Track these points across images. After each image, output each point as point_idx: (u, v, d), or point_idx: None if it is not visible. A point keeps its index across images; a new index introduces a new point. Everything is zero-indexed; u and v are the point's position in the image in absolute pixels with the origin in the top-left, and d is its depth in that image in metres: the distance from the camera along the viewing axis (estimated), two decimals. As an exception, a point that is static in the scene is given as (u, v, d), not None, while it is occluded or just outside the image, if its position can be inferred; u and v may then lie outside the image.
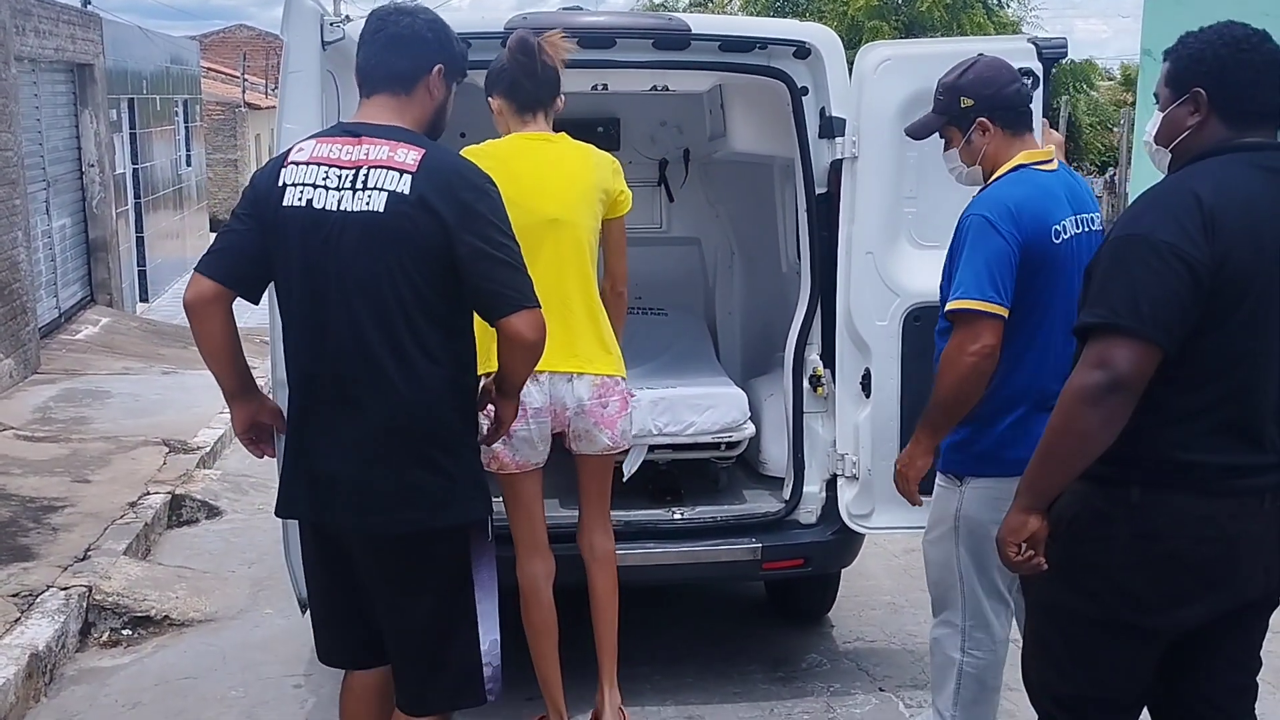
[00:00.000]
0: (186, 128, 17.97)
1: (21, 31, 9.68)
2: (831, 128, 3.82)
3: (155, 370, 9.88)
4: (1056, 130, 3.87)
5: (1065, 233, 2.97)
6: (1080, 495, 2.40)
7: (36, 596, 4.51)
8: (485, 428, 2.87)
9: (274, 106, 16.96)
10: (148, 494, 6.07)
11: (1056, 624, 2.52)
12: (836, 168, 3.82)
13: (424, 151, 2.58)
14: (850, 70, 3.83)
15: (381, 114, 2.66)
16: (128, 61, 13.97)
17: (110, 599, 4.70)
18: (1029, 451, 2.83)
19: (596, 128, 5.34)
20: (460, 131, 5.34)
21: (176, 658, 4.45)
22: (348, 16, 3.60)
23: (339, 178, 2.57)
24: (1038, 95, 3.69)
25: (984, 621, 3.17)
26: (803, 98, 3.87)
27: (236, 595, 5.05)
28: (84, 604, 4.60)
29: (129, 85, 14.07)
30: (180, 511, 6.14)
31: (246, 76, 26.79)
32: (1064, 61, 4.41)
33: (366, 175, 2.55)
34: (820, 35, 3.90)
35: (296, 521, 2.87)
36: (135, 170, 14.46)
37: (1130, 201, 2.70)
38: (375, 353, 2.56)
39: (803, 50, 3.86)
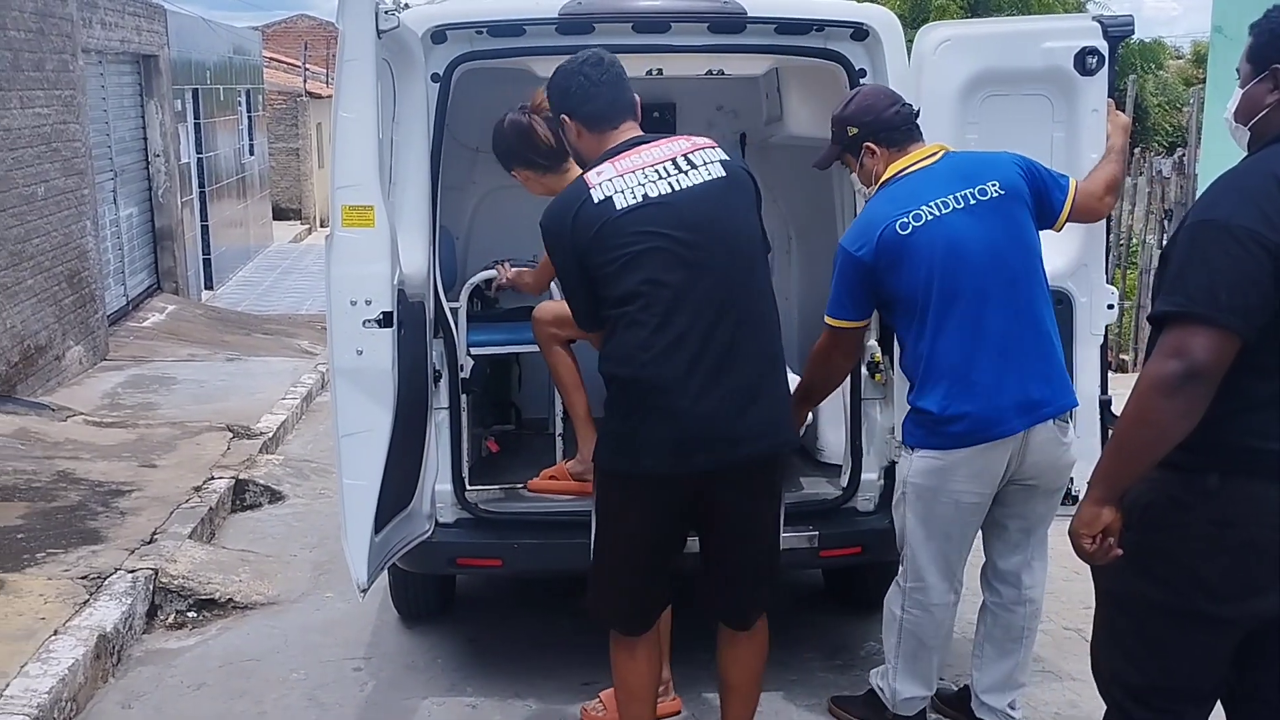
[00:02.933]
0: (249, 117, 18.21)
1: (88, 24, 9.86)
2: None
3: (220, 357, 10.03)
4: (1123, 112, 3.76)
5: (919, 220, 3.23)
6: (1156, 482, 2.35)
7: (104, 579, 4.60)
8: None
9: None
10: (212, 479, 6.17)
11: (1129, 613, 2.48)
12: None
13: (708, 138, 3.17)
14: (909, 52, 3.78)
15: (636, 131, 3.14)
16: (192, 52, 14.18)
17: (176, 582, 4.79)
18: (961, 425, 3.23)
19: (652, 113, 5.29)
20: None
21: (240, 640, 4.52)
22: (406, 4, 3.61)
23: (658, 171, 3.01)
24: (1102, 75, 3.63)
25: (921, 584, 3.43)
26: (861, 80, 3.82)
27: (298, 579, 5.12)
28: (150, 586, 4.69)
29: (193, 76, 14.28)
30: (243, 496, 6.24)
31: (308, 66, 27.07)
32: (1132, 41, 4.31)
33: (689, 158, 3.04)
34: (878, 16, 3.84)
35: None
36: (199, 160, 14.68)
37: (1199, 182, 2.63)
38: (755, 294, 3.03)
39: (860, 32, 3.80)
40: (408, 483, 3.57)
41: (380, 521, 3.24)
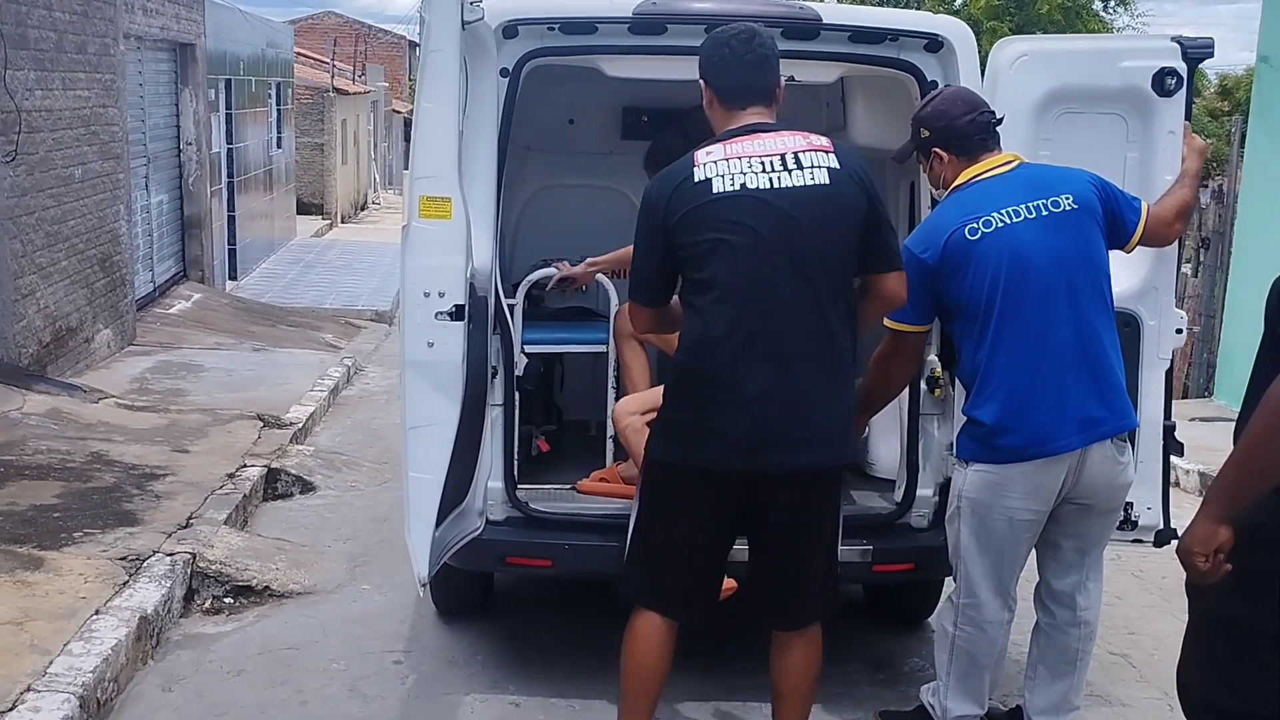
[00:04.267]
0: (279, 110, 18.24)
1: (130, 9, 9.88)
2: None
3: (246, 347, 10.04)
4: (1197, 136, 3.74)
5: (989, 226, 3.21)
6: (1267, 505, 2.31)
7: (143, 561, 4.58)
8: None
9: (361, 92, 17.16)
10: (245, 466, 6.16)
11: (1228, 637, 2.43)
12: None
13: (826, 138, 3.09)
14: (983, 66, 3.76)
15: (762, 118, 3.10)
16: (227, 43, 14.21)
17: (213, 567, 4.77)
18: (1020, 439, 3.19)
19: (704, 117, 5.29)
20: (569, 118, 5.35)
21: (278, 628, 4.49)
22: (483, -4, 3.60)
23: (763, 164, 2.98)
24: (1180, 97, 3.60)
25: (975, 600, 3.38)
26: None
27: (334, 569, 5.10)
28: (188, 570, 4.67)
29: (227, 66, 14.31)
30: (275, 485, 6.22)
31: (336, 62, 27.14)
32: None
33: (798, 157, 3.00)
34: (954, 29, 3.83)
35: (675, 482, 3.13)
36: (229, 150, 14.71)
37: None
38: (826, 305, 2.97)
39: (935, 43, 3.79)
40: (464, 478, 3.55)
41: (440, 516, 3.22)
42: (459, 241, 3.13)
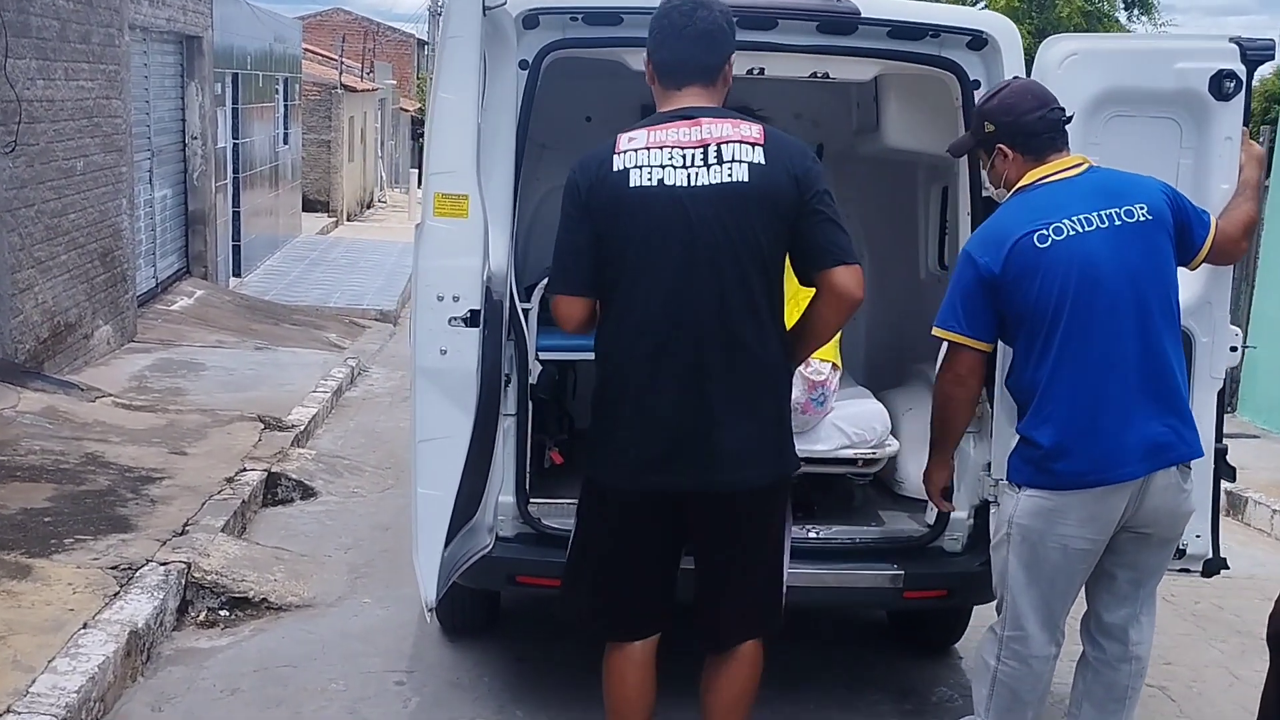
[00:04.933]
0: (286, 106, 18.04)
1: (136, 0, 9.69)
2: None
3: (248, 345, 9.84)
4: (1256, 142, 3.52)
5: (1059, 234, 3.00)
6: None
7: (136, 570, 4.38)
8: None
9: (369, 90, 16.96)
10: (244, 470, 5.96)
11: None
12: None
13: (761, 126, 2.83)
14: (1029, 64, 3.55)
15: (697, 100, 2.86)
16: (234, 36, 14.01)
17: (209, 577, 4.57)
18: (1081, 464, 2.96)
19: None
20: (586, 115, 5.14)
21: (275, 643, 4.30)
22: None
23: (685, 157, 2.77)
24: (1238, 101, 3.40)
25: (1021, 633, 3.17)
26: (975, 91, 3.60)
27: (334, 581, 4.90)
28: (183, 581, 4.48)
29: (234, 60, 14.11)
30: (275, 490, 6.03)
31: (344, 60, 26.95)
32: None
33: (720, 150, 2.77)
34: (998, 25, 3.63)
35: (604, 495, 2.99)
36: (235, 145, 14.50)
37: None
38: (739, 315, 2.78)
39: (979, 40, 3.59)
40: (476, 493, 3.35)
41: (450, 535, 3.02)
42: (476, 242, 2.93)
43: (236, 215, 14.54)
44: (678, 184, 2.77)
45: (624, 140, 2.84)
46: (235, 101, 14.42)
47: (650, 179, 2.77)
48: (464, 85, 2.86)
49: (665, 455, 2.83)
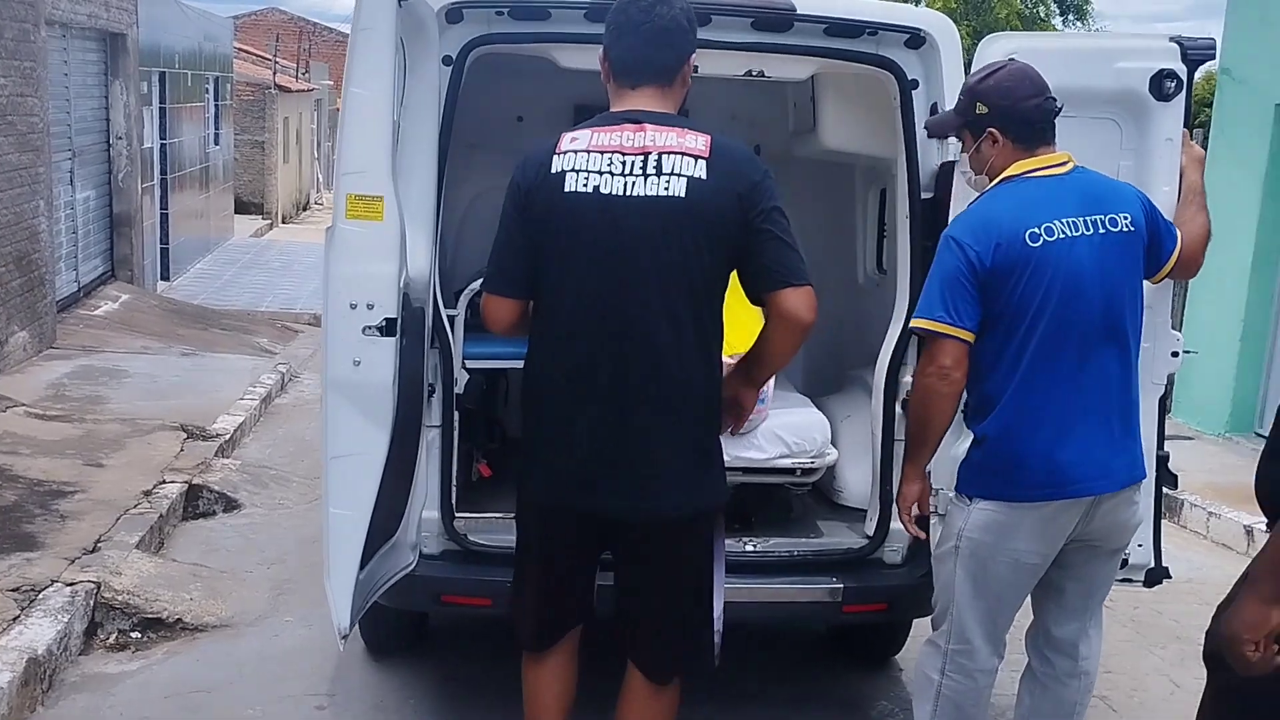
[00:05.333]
0: (216, 106, 17.65)
1: (55, -6, 9.36)
2: None
3: (174, 351, 9.55)
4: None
5: (1051, 235, 2.83)
6: None
7: (39, 592, 4.16)
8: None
9: (304, 90, 16.64)
10: (164, 482, 5.73)
11: (1258, 716, 2.14)
12: (946, 170, 3.46)
13: (710, 136, 2.66)
14: (968, 63, 3.47)
15: (649, 103, 2.71)
16: (161, 34, 13.65)
17: (120, 598, 4.35)
18: (1039, 477, 2.82)
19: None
20: (518, 115, 4.99)
21: (189, 667, 4.09)
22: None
23: (625, 164, 2.61)
24: (1179, 102, 3.33)
25: (967, 647, 3.06)
26: (913, 91, 3.51)
27: (255, 599, 4.70)
28: (91, 602, 4.26)
29: (161, 59, 13.75)
30: (196, 503, 5.80)
31: (278, 60, 26.49)
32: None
33: (660, 161, 2.60)
34: (937, 23, 3.54)
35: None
36: (163, 146, 14.14)
37: None
38: (663, 338, 2.63)
39: (917, 39, 3.49)
40: (396, 510, 3.19)
41: (366, 556, 2.86)
42: (391, 246, 2.77)
43: (165, 217, 14.18)
44: (613, 192, 2.62)
45: (566, 140, 2.70)
46: (163, 101, 14.06)
47: (585, 185, 2.63)
48: (377, 80, 2.70)
49: (581, 476, 2.72)
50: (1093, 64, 3.36)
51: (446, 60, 3.35)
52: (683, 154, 2.61)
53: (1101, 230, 2.88)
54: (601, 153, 2.64)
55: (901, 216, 3.64)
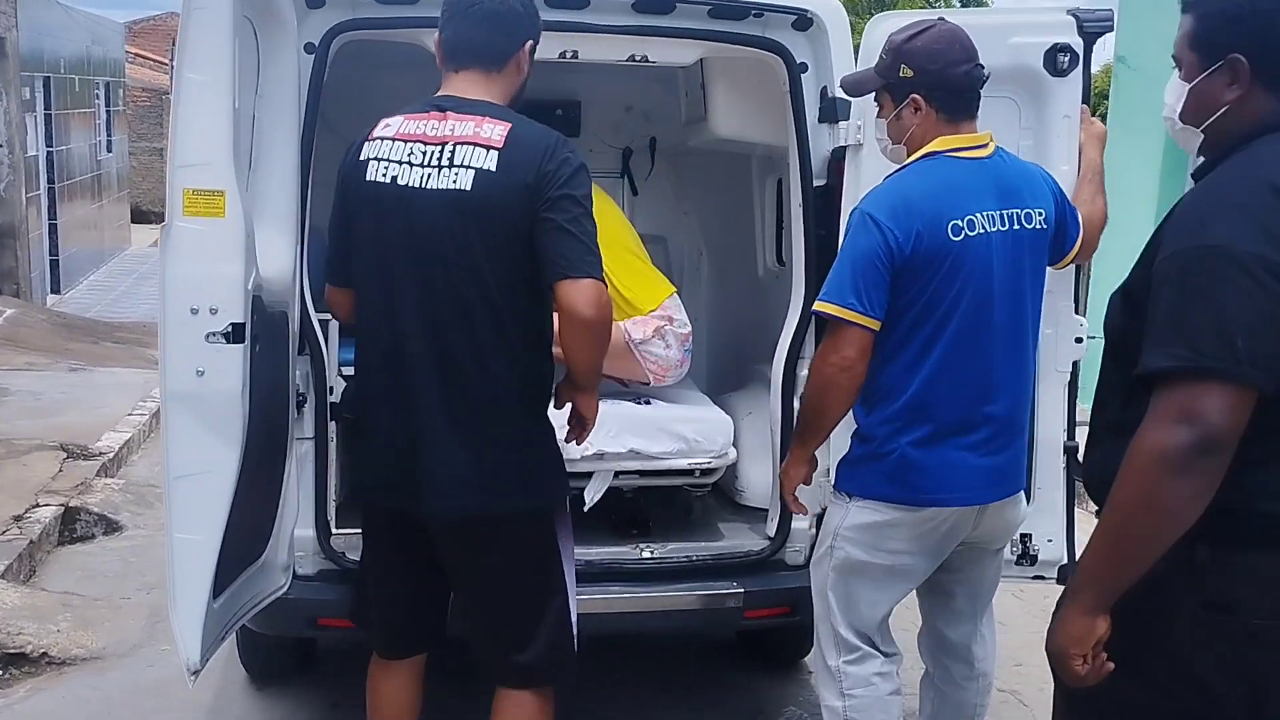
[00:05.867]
0: (108, 112, 17.06)
1: (-79, -5, 8.91)
2: (834, 110, 3.32)
3: (62, 366, 9.12)
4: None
5: (972, 229, 2.62)
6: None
7: (-112, 630, 3.86)
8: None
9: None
10: (37, 505, 5.42)
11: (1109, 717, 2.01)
12: (838, 157, 3.33)
13: (510, 126, 2.53)
14: (856, 46, 3.34)
15: (470, 89, 2.60)
16: (44, 38, 13.13)
17: (-21, 633, 4.06)
18: (929, 480, 2.64)
19: (555, 110, 4.79)
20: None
21: (52, 704, 3.82)
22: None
23: (424, 154, 2.52)
24: (1076, 76, 3.20)
25: (858, 654, 2.86)
26: (801, 75, 3.38)
27: (130, 628, 4.42)
28: (-54, 640, 3.96)
29: (45, 64, 13.22)
30: (74, 526, 5.49)
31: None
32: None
33: (454, 152, 2.51)
34: (824, 5, 3.39)
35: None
36: (50, 154, 13.59)
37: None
38: (454, 335, 2.53)
39: (804, 20, 3.36)
40: (260, 530, 2.97)
41: (221, 583, 2.63)
42: (235, 245, 2.54)
43: (53, 228, 13.65)
44: (410, 184, 2.53)
45: (380, 126, 2.61)
46: (48, 107, 13.53)
47: (385, 175, 2.55)
48: (215, 64, 2.47)
49: (384, 473, 2.67)
50: (986, 41, 3.22)
51: (308, 48, 3.14)
52: (475, 144, 2.51)
53: (1015, 227, 2.69)
54: (405, 141, 2.55)
55: (795, 205, 3.51)
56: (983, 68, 2.72)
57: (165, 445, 2.55)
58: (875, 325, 2.63)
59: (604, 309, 2.50)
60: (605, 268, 3.65)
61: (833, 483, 2.92)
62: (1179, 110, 2.00)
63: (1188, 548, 1.84)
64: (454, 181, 2.49)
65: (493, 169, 2.48)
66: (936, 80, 2.67)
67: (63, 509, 5.47)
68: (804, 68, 3.38)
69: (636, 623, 3.44)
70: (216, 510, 2.53)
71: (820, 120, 3.39)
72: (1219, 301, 1.76)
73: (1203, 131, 1.98)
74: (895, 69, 2.71)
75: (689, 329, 3.90)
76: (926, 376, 2.66)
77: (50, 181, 13.63)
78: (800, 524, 3.45)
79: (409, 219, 2.52)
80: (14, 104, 11.45)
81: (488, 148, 2.50)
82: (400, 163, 2.54)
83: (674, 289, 3.98)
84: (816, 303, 2.69)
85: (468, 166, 2.49)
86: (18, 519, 5.18)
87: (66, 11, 14.58)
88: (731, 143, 4.12)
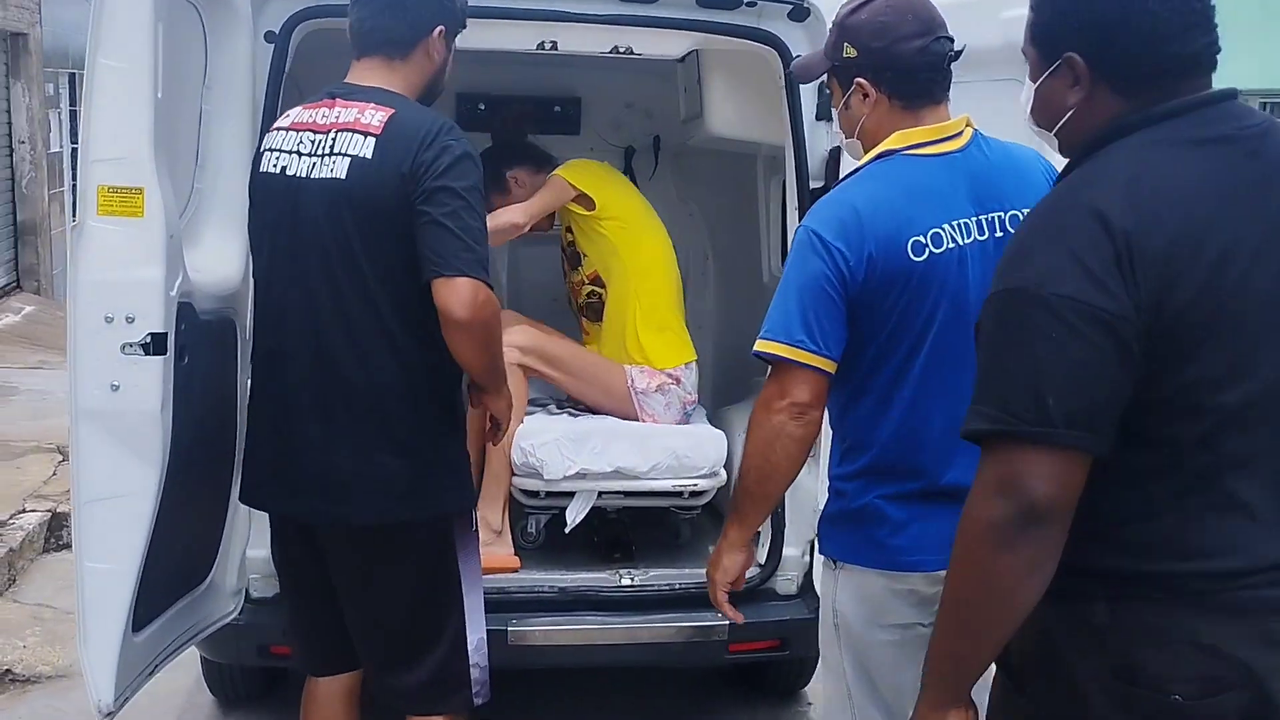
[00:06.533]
0: (138, 109, 17.07)
1: (-61, -10, 8.85)
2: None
3: (73, 366, 9.03)
4: None
5: (939, 244, 2.13)
6: (1031, 623, 1.60)
7: None
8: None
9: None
10: (23, 511, 5.26)
11: None
12: (836, 156, 3.08)
13: (392, 112, 2.36)
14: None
15: (370, 76, 2.45)
16: (69, 34, 13.04)
17: (-60, 649, 3.90)
18: (911, 542, 2.15)
19: (553, 107, 4.59)
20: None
21: (9, 727, 3.65)
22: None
23: (312, 143, 2.40)
24: None
25: None
26: (796, 69, 3.14)
27: (102, 643, 4.24)
28: (-96, 655, 3.80)
29: (70, 59, 13.16)
30: (60, 533, 5.30)
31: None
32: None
33: (334, 140, 2.37)
34: (822, -8, 3.15)
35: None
36: (73, 150, 13.55)
37: None
38: (333, 332, 2.37)
39: (800, 10, 3.12)
40: (203, 552, 2.77)
41: (146, 614, 2.44)
42: (156, 247, 2.32)
43: (78, 225, 13.61)
44: (297, 174, 2.39)
45: (282, 119, 2.51)
46: (73, 103, 13.45)
47: (276, 165, 2.42)
48: (135, 48, 2.26)
49: (262, 476, 2.53)
50: (975, 18, 2.91)
51: (269, 36, 2.94)
52: (354, 131, 2.35)
53: (999, 233, 2.20)
54: (297, 131, 2.42)
55: (791, 209, 3.28)
56: (949, 40, 2.22)
57: (75, 467, 2.36)
58: (830, 366, 2.14)
59: (480, 309, 2.27)
60: (632, 313, 3.58)
61: (819, 547, 2.38)
62: (1030, 111, 1.76)
63: (1084, 606, 1.59)
64: (331, 170, 2.35)
65: (369, 156, 2.32)
66: (883, 59, 2.19)
67: (50, 514, 5.31)
68: (800, 60, 3.15)
69: (611, 655, 3.21)
70: (133, 537, 2.33)
71: (818, 118, 3.16)
72: (1030, 353, 1.51)
73: (1055, 135, 1.72)
74: (839, 48, 2.26)
75: (695, 398, 3.79)
76: (896, 421, 2.20)
77: (74, 179, 13.58)
78: (792, 550, 3.22)
79: (295, 211, 2.38)
80: (36, 100, 11.40)
81: (365, 134, 2.33)
82: (290, 152, 2.41)
83: (695, 357, 3.87)
84: (758, 342, 2.16)
85: (345, 155, 2.34)
86: (1, 525, 5.02)
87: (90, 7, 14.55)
88: (729, 141, 3.90)
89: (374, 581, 2.50)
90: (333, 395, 2.39)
